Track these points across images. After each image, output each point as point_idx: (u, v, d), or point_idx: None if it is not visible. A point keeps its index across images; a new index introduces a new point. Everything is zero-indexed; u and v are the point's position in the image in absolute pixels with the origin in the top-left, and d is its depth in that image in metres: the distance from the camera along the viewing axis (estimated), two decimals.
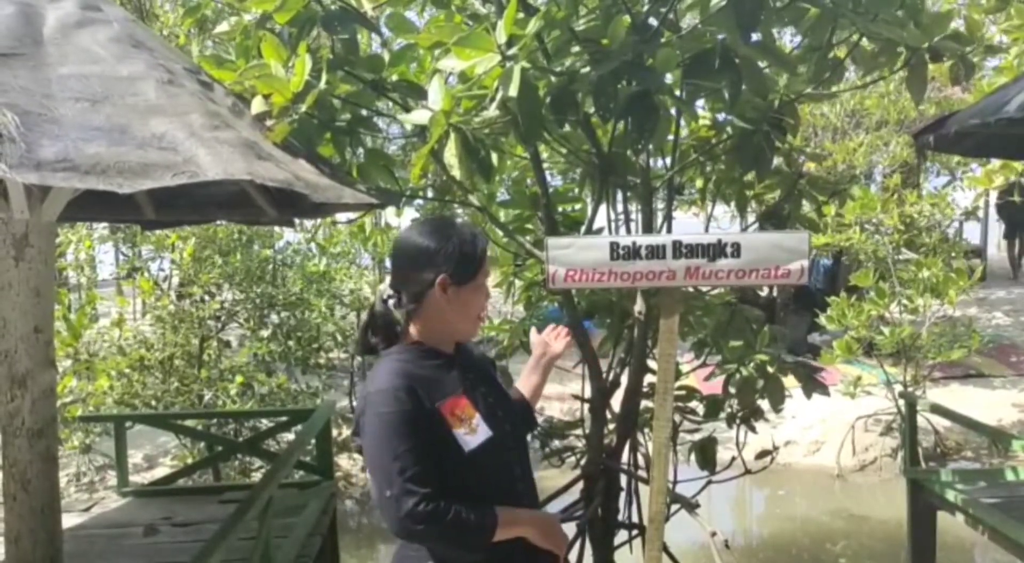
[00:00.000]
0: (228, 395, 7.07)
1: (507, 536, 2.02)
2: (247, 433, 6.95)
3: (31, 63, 2.61)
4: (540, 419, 4.81)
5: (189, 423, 6.33)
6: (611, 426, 4.21)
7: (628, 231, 4.21)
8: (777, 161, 3.80)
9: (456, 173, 2.92)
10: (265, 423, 6.58)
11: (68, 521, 4.21)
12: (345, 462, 8.11)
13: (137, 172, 2.28)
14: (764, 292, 11.13)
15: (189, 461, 6.82)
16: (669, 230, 4.10)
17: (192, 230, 7.34)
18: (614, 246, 2.43)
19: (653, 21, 3.18)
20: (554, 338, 2.59)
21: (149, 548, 4.46)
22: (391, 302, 2.14)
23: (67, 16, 2.90)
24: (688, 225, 6.75)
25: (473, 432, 2.04)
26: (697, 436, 4.32)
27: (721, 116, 3.88)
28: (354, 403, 8.87)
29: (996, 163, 6.45)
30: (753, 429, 4.28)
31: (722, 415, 4.24)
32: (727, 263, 2.40)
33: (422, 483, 1.92)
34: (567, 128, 3.66)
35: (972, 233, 16.07)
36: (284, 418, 6.12)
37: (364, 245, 9.60)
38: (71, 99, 2.51)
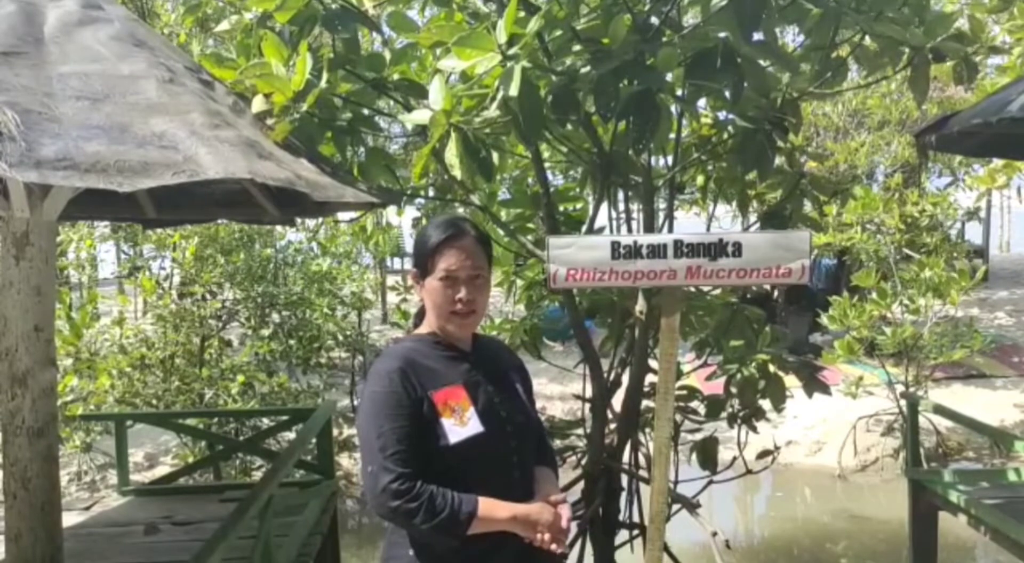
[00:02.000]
0: (229, 394, 7.06)
1: (488, 528, 2.02)
2: (248, 432, 6.95)
3: (32, 61, 2.61)
4: (542, 418, 4.81)
5: (190, 422, 6.33)
6: (612, 426, 4.20)
7: (629, 230, 4.21)
8: (779, 160, 3.79)
9: (457, 172, 2.93)
10: (266, 422, 6.58)
11: (69, 520, 4.21)
12: (346, 461, 8.10)
13: (137, 171, 2.28)
14: (754, 288, 11.10)
15: (190, 460, 6.81)
16: (670, 229, 4.09)
17: (193, 229, 7.34)
18: (615, 245, 2.42)
19: (654, 20, 3.18)
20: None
21: (149, 547, 4.45)
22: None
23: (68, 15, 2.90)
24: (689, 224, 6.74)
25: (463, 424, 2.06)
26: (698, 436, 4.31)
27: (723, 115, 3.88)
28: (355, 402, 8.87)
29: (999, 163, 6.43)
30: (754, 429, 4.27)
31: (723, 415, 4.24)
32: (728, 262, 2.40)
33: (401, 463, 1.97)
34: (568, 127, 3.65)
35: (974, 233, 16.06)
36: (285, 417, 6.12)
37: (365, 244, 9.59)
38: (72, 97, 2.51)
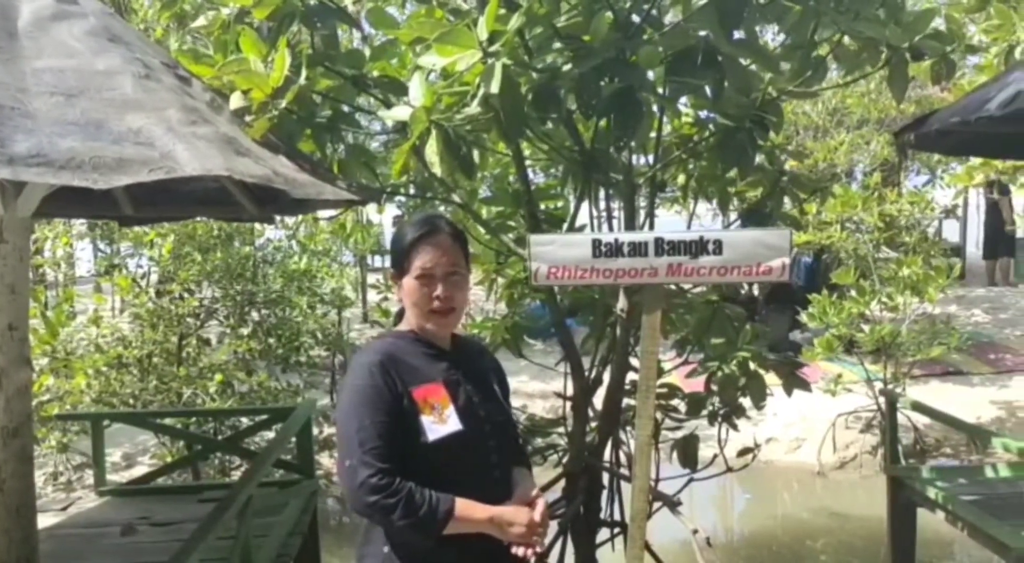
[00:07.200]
0: (207, 393, 7.00)
1: (465, 529, 2.01)
2: (227, 431, 6.89)
3: (5, 57, 2.57)
4: (522, 417, 4.80)
5: (168, 421, 6.26)
6: (593, 424, 4.20)
7: (610, 228, 4.20)
8: (759, 159, 3.80)
9: (437, 170, 2.91)
10: (245, 421, 6.52)
11: (45, 521, 4.16)
12: (326, 460, 8.04)
13: (113, 168, 2.24)
14: (744, 289, 11.15)
15: (168, 460, 6.75)
16: (651, 227, 4.09)
17: (171, 227, 7.27)
18: (596, 243, 2.42)
19: (636, 18, 3.17)
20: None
21: (127, 548, 4.41)
22: None
23: (42, 9, 2.85)
24: (670, 223, 6.75)
25: (442, 422, 2.06)
26: (679, 434, 4.31)
27: (704, 113, 3.88)
28: (335, 401, 8.81)
29: (976, 161, 6.49)
30: (735, 426, 4.28)
31: (704, 413, 4.24)
32: (709, 260, 2.39)
33: (380, 458, 1.96)
34: (549, 125, 3.65)
35: (951, 231, 16.19)
36: (264, 416, 6.07)
37: (345, 242, 9.54)
38: (46, 93, 2.47)
